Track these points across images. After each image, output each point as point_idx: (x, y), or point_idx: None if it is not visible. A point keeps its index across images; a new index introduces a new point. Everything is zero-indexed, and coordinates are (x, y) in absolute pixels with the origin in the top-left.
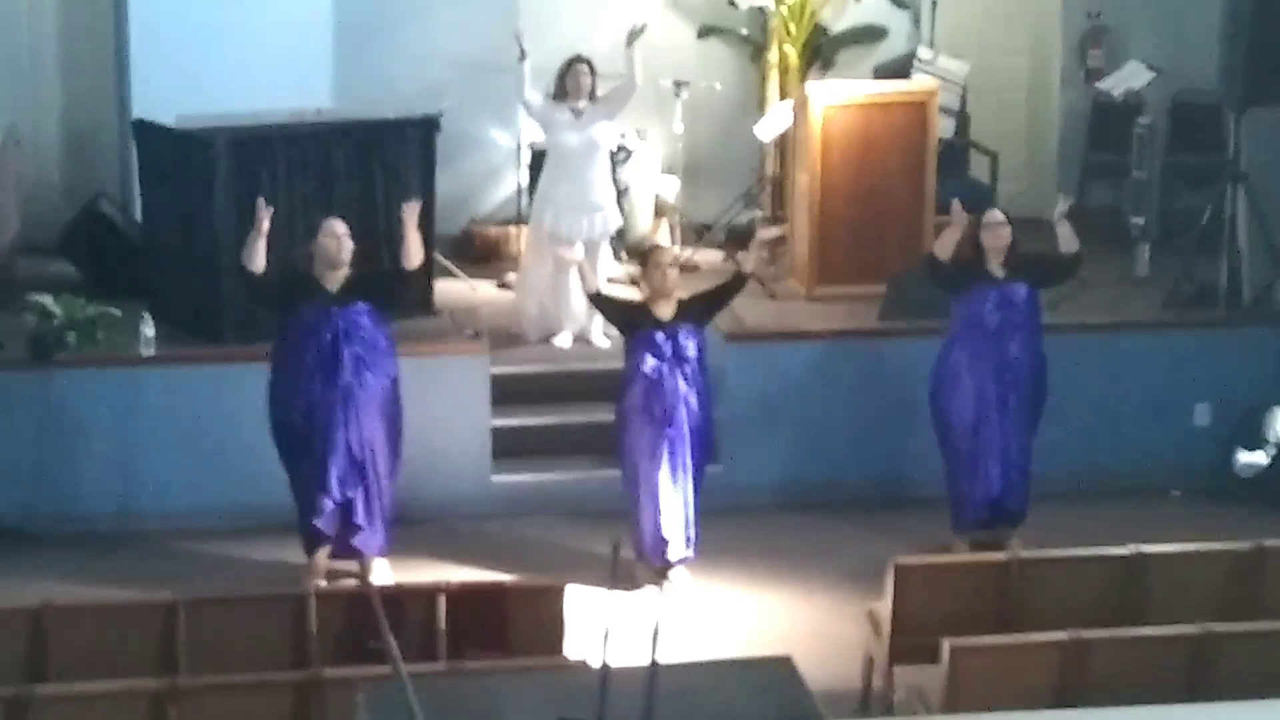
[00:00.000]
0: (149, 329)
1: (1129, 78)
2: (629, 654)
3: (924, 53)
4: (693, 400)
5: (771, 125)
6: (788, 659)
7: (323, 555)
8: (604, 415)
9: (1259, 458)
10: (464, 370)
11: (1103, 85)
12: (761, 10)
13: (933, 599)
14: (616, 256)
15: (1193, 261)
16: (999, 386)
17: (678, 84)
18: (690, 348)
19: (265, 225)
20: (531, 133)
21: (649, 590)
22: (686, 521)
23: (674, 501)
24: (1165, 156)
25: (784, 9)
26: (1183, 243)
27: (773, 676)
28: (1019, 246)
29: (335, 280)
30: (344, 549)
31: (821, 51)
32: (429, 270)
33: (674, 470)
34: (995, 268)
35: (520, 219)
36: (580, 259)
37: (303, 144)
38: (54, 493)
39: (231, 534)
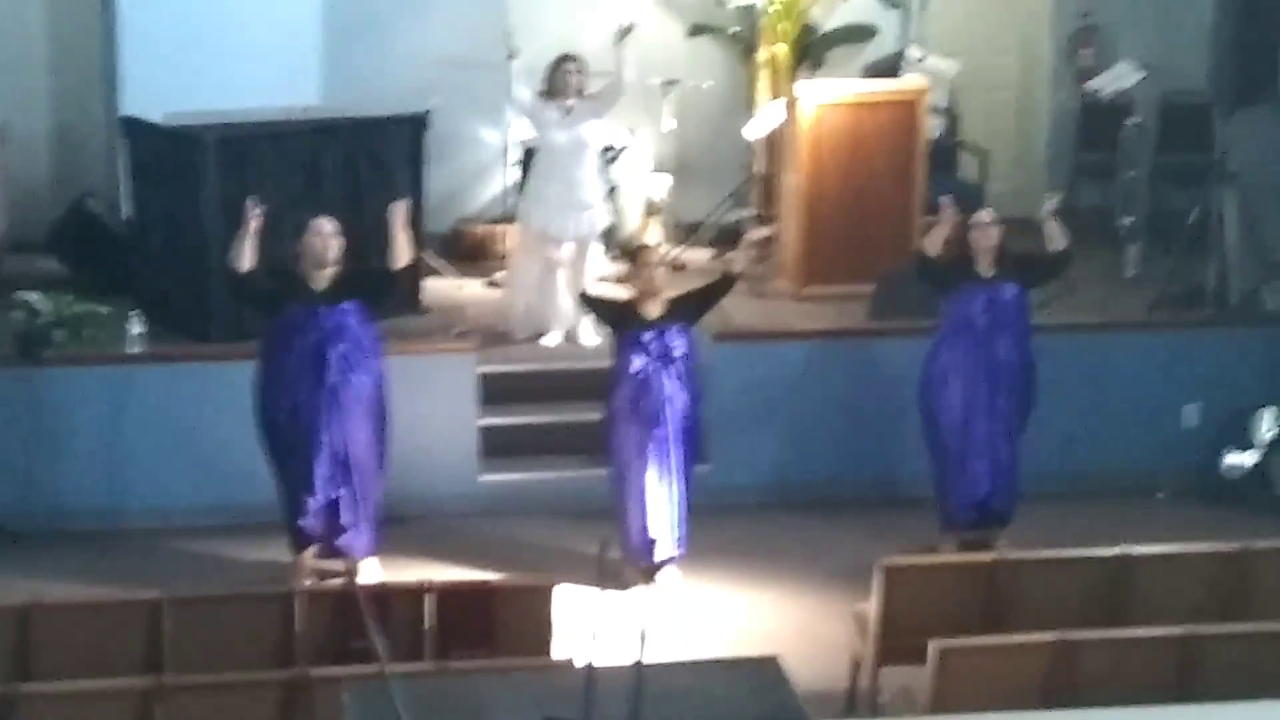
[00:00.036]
0: (136, 327)
1: (1118, 78)
2: (616, 653)
3: (913, 52)
4: (681, 400)
5: (761, 124)
6: (775, 659)
7: (309, 554)
8: (592, 414)
9: (1246, 459)
10: (452, 369)
11: (1092, 85)
12: (751, 9)
13: (920, 599)
14: (605, 255)
15: (1181, 262)
16: (987, 387)
17: (667, 83)
18: (678, 347)
19: (254, 225)
20: (520, 131)
21: (637, 590)
22: (674, 521)
23: (662, 501)
24: (1154, 157)
25: (774, 8)
26: (1172, 243)
27: (759, 677)
28: (1008, 247)
29: (322, 279)
30: (331, 548)
31: (811, 50)
32: (417, 269)
33: (662, 470)
34: (984, 268)
35: (509, 217)
36: (568, 261)
37: (291, 142)
38: (40, 491)
39: (219, 533)
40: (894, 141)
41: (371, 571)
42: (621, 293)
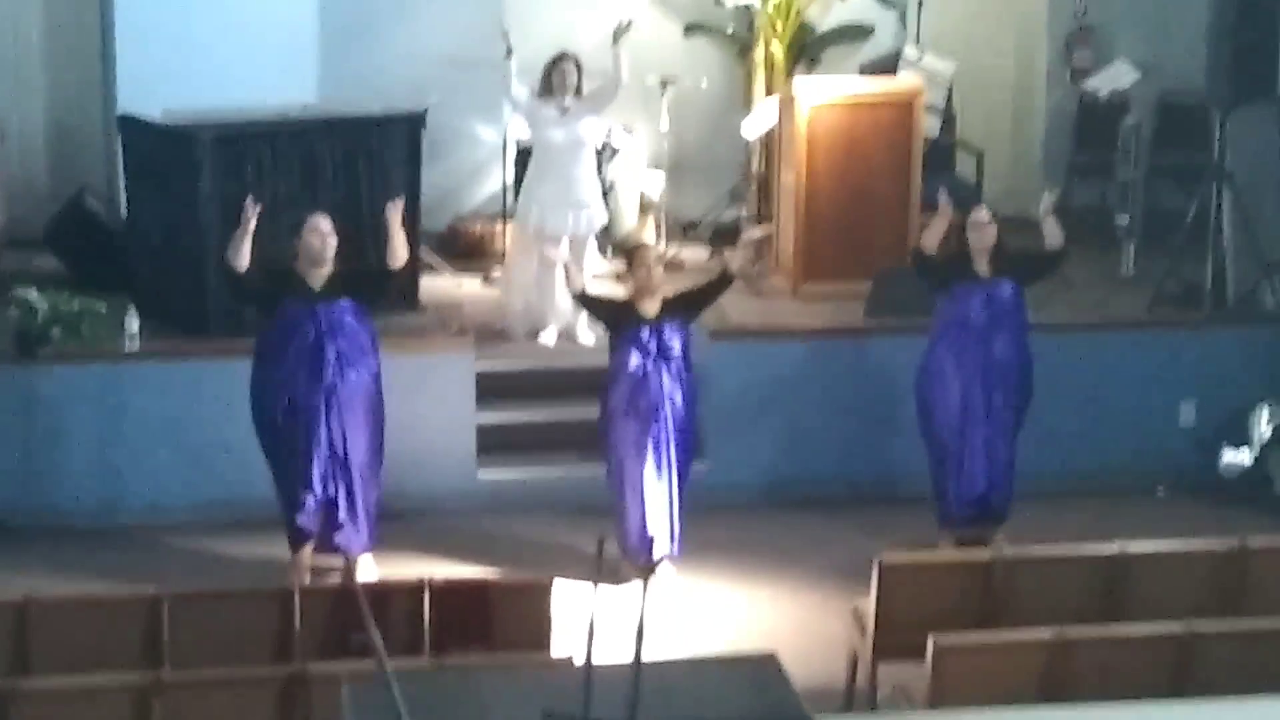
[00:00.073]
0: (133, 323)
1: (1115, 77)
2: (614, 650)
3: (910, 51)
4: (678, 397)
5: (757, 123)
6: (772, 656)
7: (307, 551)
8: (589, 412)
9: (1243, 457)
10: (449, 366)
11: (1089, 85)
12: (747, 8)
13: (917, 596)
14: (602, 253)
15: (1178, 261)
16: (984, 385)
17: (664, 81)
18: (675, 345)
19: (252, 224)
20: (517, 129)
21: (634, 587)
22: (671, 518)
23: (659, 498)
24: (1151, 156)
25: (770, 7)
26: (1168, 242)
27: (757, 673)
28: (1005, 245)
29: (319, 277)
30: (328, 545)
31: (807, 49)
32: (414, 266)
33: (659, 467)
34: (981, 266)
35: (506, 215)
36: (565, 259)
37: (288, 140)
38: (38, 487)
39: (216, 529)
40: (891, 141)
41: (368, 569)
42: (618, 291)
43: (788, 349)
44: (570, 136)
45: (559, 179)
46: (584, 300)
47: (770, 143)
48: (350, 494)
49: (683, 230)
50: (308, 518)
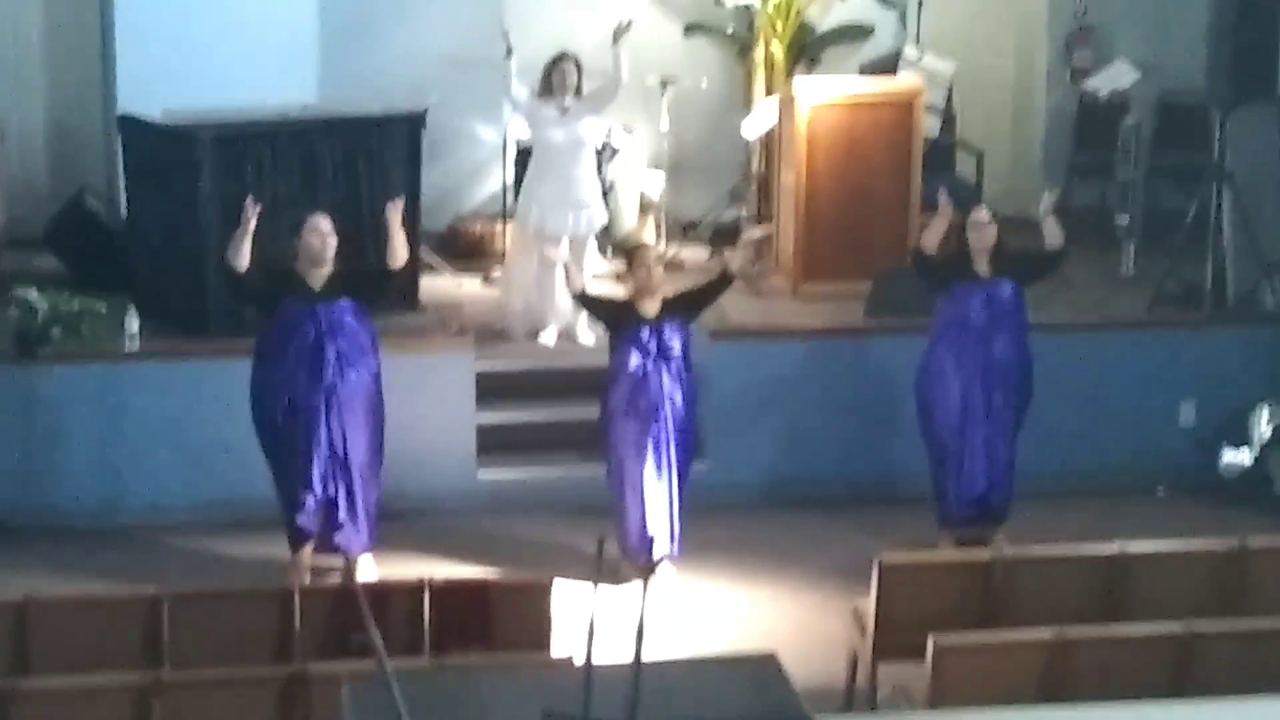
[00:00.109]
0: (133, 323)
1: (1115, 77)
2: (614, 650)
3: (910, 51)
4: (677, 397)
5: (757, 123)
6: (772, 655)
7: (307, 552)
8: (589, 412)
9: (1243, 457)
10: (449, 366)
11: (1089, 85)
12: (747, 8)
13: (917, 596)
14: (602, 253)
15: (1178, 261)
16: (984, 385)
17: (663, 81)
18: (675, 345)
19: (252, 224)
20: (517, 129)
21: (634, 587)
22: (671, 518)
23: (659, 498)
24: (1151, 156)
25: (770, 7)
26: (1168, 242)
27: (757, 673)
28: (1005, 245)
29: (319, 277)
30: (328, 546)
31: (807, 49)
32: (414, 266)
33: (659, 467)
34: (981, 266)
35: (506, 215)
36: (565, 260)
37: (288, 140)
38: (38, 487)
39: (216, 529)
40: (891, 141)
41: (367, 569)
42: (618, 291)
43: (788, 349)
44: (570, 136)
45: (559, 179)
46: (584, 300)
47: (770, 143)
48: (350, 494)
49: (683, 230)
50: (307, 518)
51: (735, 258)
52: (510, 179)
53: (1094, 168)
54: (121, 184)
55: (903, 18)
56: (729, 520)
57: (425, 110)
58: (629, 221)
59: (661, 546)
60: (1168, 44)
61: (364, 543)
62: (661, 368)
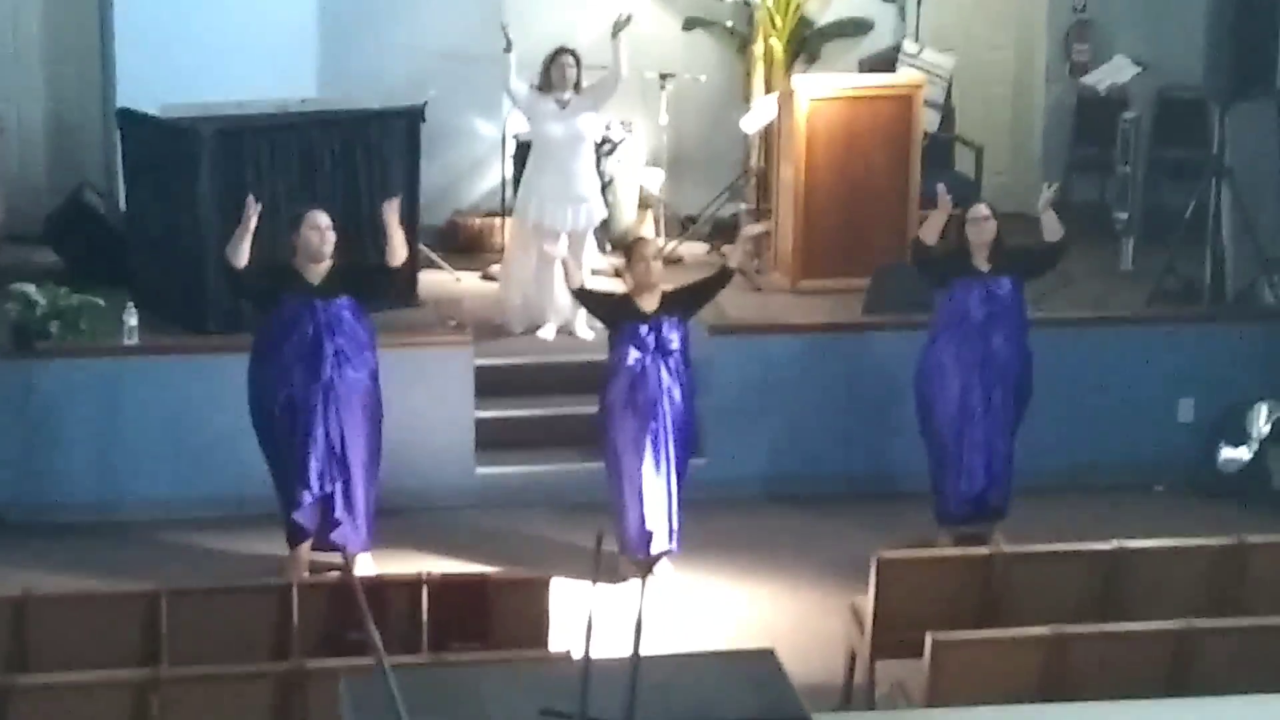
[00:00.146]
0: (132, 318)
1: (1114, 72)
2: (612, 646)
3: (909, 46)
4: (676, 393)
5: (756, 118)
6: (770, 652)
7: (305, 548)
8: (588, 407)
9: (1242, 453)
10: (448, 362)
11: (1088, 80)
12: (747, 3)
13: (916, 593)
14: (601, 248)
15: (1177, 256)
16: (983, 381)
17: (663, 76)
18: (674, 340)
19: (253, 223)
20: (516, 124)
21: (632, 583)
22: (670, 514)
23: (657, 494)
24: (1150, 151)
25: (769, 1)
26: (1167, 238)
27: (755, 669)
28: (1004, 240)
29: (318, 273)
30: (326, 542)
31: (807, 44)
32: (413, 262)
33: (657, 463)
34: (980, 262)
35: (505, 210)
36: (564, 255)
37: (287, 134)
38: (36, 482)
39: (214, 525)
40: (890, 136)
41: (365, 566)
42: (617, 286)
43: (787, 345)
44: (569, 131)
45: (558, 174)
46: (582, 296)
47: (769, 138)
48: (348, 491)
49: (681, 225)
50: (305, 514)
51: (734, 253)
52: (509, 174)
53: (1093, 163)
54: (120, 179)
55: (902, 13)
56: (727, 516)
57: (424, 105)
58: (628, 217)
59: (660, 542)
60: (1167, 39)
61: (362, 540)
62: (660, 363)
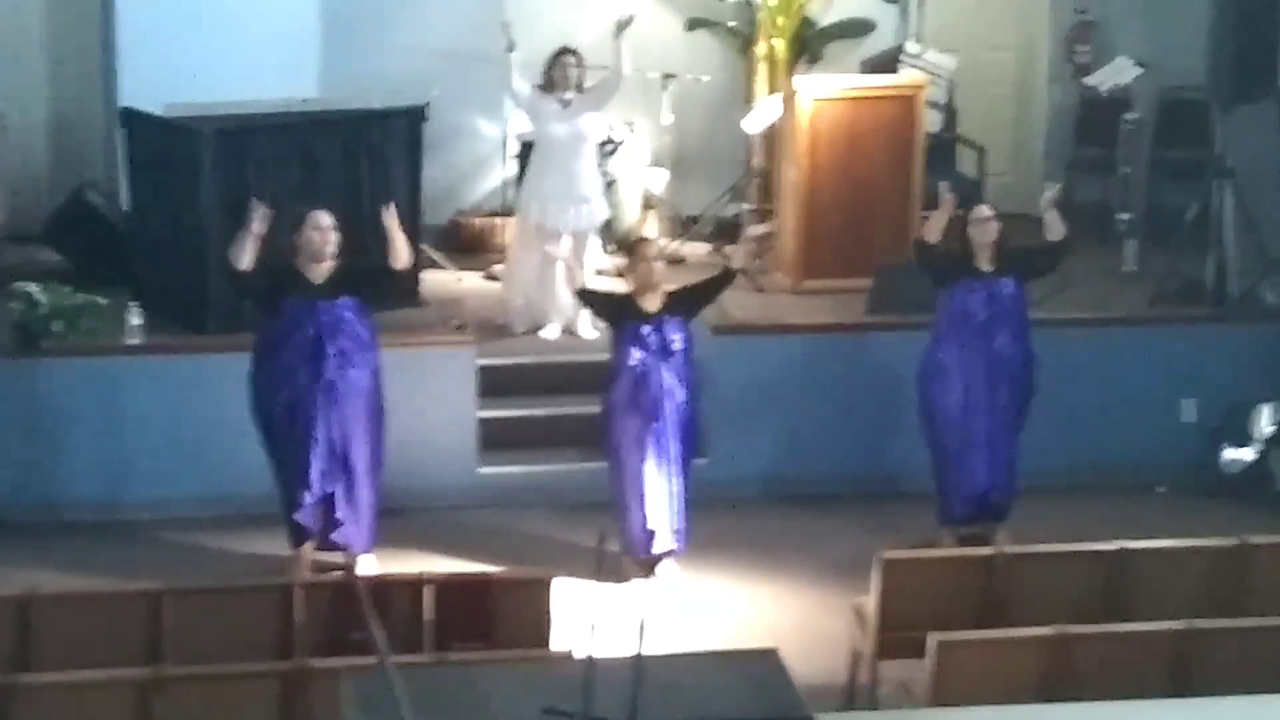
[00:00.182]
0: (134, 318)
1: (1116, 73)
2: (615, 646)
3: (912, 47)
4: (679, 393)
5: (759, 118)
6: (773, 652)
7: (308, 548)
8: (591, 407)
9: (1245, 454)
10: (450, 361)
11: (1090, 81)
12: (749, 3)
13: (919, 593)
14: (603, 249)
15: (1179, 257)
16: (987, 381)
17: (665, 76)
18: (677, 340)
19: (258, 227)
20: (519, 124)
21: (635, 583)
22: (673, 514)
23: (660, 494)
24: (1152, 152)
25: (772, 2)
26: (1169, 238)
27: (758, 669)
28: (1006, 241)
29: (320, 273)
30: (329, 542)
31: (809, 45)
32: (415, 262)
33: (660, 463)
34: (983, 262)
35: (507, 210)
36: (566, 255)
37: (289, 134)
38: (39, 482)
39: (217, 524)
40: (892, 136)
41: (368, 566)
42: (620, 286)
43: (789, 345)
44: (572, 131)
45: (560, 174)
46: (585, 296)
47: (772, 138)
48: (350, 491)
49: (684, 226)
50: (307, 514)
51: (737, 253)
52: (512, 174)
53: (1095, 164)
54: (123, 178)
55: (904, 13)
56: (730, 516)
57: (426, 105)
58: (630, 217)
59: (662, 542)
60: (1169, 40)
61: (364, 540)
62: (663, 364)
